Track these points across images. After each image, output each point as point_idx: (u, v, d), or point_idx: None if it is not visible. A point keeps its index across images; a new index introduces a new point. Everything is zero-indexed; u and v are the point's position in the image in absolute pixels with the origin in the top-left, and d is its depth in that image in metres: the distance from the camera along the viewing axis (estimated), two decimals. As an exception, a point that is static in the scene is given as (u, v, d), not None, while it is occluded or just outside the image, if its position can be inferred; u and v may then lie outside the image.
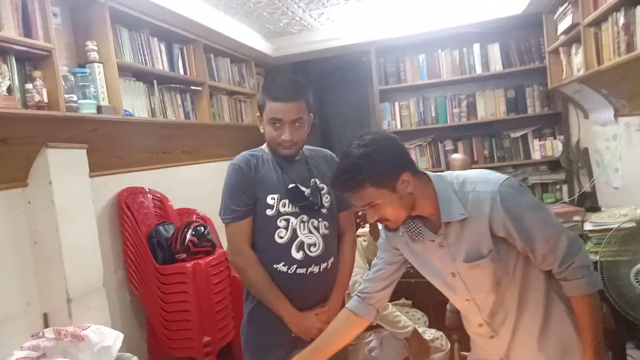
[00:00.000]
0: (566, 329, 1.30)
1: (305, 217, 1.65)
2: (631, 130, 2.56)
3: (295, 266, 1.62)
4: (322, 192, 1.71)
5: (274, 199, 1.63)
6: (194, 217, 3.06)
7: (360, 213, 2.38)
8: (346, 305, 1.52)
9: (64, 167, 2.16)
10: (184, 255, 2.58)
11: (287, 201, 1.64)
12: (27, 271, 2.10)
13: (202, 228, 2.67)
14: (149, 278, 2.56)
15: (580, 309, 1.25)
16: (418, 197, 1.29)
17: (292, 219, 1.64)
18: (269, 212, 1.63)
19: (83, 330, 2.00)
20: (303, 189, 1.66)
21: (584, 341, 1.26)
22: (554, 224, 1.24)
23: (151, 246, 2.60)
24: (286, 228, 1.63)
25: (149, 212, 2.76)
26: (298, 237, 1.64)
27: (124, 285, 2.64)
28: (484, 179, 1.27)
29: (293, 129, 1.62)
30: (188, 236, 2.59)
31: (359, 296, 1.50)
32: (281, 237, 1.63)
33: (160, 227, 2.68)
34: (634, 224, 1.98)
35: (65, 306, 2.11)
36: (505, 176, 1.26)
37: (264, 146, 1.74)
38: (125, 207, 2.60)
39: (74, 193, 2.20)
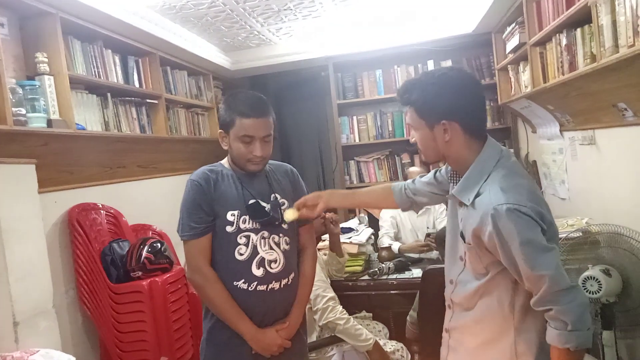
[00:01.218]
0: None
1: (266, 233, 1.64)
2: (575, 145, 2.70)
3: (255, 283, 1.61)
4: (283, 207, 1.70)
5: (234, 215, 1.61)
6: (150, 233, 2.98)
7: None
8: (391, 184, 1.68)
9: (11, 183, 2.05)
10: (139, 273, 2.49)
11: (247, 217, 1.62)
12: (-32, 294, 1.97)
13: (159, 244, 2.60)
14: (102, 298, 2.47)
15: (551, 355, 1.23)
16: (453, 153, 1.31)
17: (253, 235, 1.62)
18: (229, 228, 1.61)
19: (31, 355, 1.89)
20: (263, 204, 1.65)
21: None
22: (539, 267, 1.16)
23: (104, 264, 2.50)
24: (246, 245, 1.61)
25: (102, 228, 2.66)
26: (259, 253, 1.62)
27: (76, 305, 2.53)
28: (502, 191, 1.21)
29: (263, 144, 1.62)
30: (144, 253, 2.52)
31: (403, 185, 1.65)
32: (241, 254, 1.61)
33: (115, 244, 2.58)
34: (580, 234, 2.08)
35: (11, 330, 1.99)
36: (521, 200, 1.19)
37: (224, 161, 1.72)
38: (77, 224, 2.50)
39: (21, 210, 2.09)
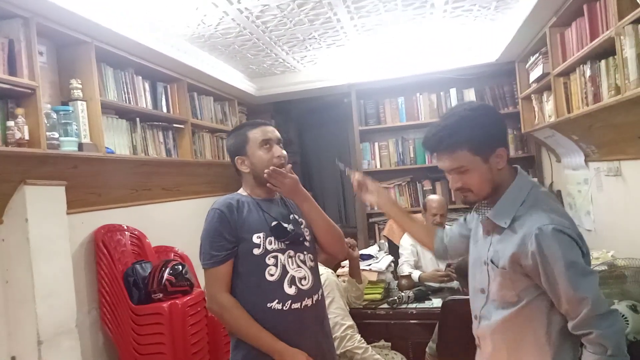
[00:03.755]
0: None
1: (292, 252, 1.67)
2: (601, 175, 2.66)
3: (289, 302, 1.61)
4: (302, 225, 1.74)
5: (259, 237, 1.63)
6: (172, 255, 3.02)
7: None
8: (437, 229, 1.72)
9: (42, 204, 2.13)
10: (160, 295, 2.53)
11: (272, 238, 1.64)
12: (-5, 312, 2.03)
13: (180, 267, 2.63)
14: (124, 318, 2.50)
15: None
16: (500, 180, 1.31)
17: (280, 255, 1.64)
18: (256, 251, 1.62)
19: (53, 374, 1.93)
20: (285, 225, 1.68)
21: None
22: (582, 289, 1.17)
23: (127, 285, 2.54)
24: (275, 265, 1.63)
25: (126, 250, 2.72)
26: (288, 272, 1.63)
27: (97, 326, 2.57)
28: (544, 212, 1.23)
29: (280, 148, 1.71)
30: (165, 275, 2.55)
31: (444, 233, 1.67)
32: (272, 275, 1.62)
33: (137, 266, 2.63)
34: (606, 267, 2.03)
35: (35, 349, 2.03)
36: (565, 223, 1.22)
37: (241, 191, 1.77)
38: (102, 244, 2.56)
39: (50, 231, 2.16)
